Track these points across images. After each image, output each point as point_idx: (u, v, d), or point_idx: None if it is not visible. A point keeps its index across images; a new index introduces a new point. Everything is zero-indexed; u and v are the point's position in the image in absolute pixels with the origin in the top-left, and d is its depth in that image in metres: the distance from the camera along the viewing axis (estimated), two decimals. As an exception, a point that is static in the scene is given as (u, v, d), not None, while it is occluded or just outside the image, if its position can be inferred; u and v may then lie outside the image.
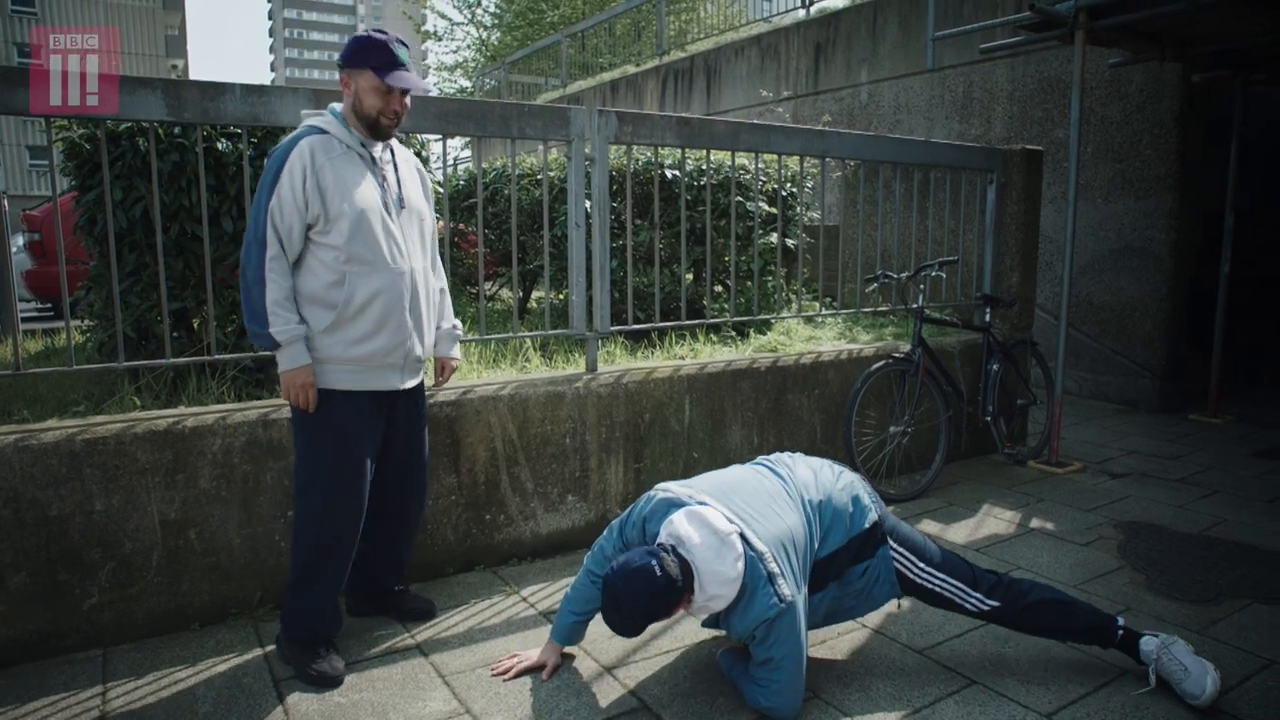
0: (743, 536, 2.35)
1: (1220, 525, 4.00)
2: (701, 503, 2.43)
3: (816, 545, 2.54)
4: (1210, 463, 5.08)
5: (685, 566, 2.27)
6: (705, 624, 2.59)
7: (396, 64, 2.51)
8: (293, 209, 2.44)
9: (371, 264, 2.53)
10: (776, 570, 2.33)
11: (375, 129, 2.56)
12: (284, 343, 2.47)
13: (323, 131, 2.52)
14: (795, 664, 2.34)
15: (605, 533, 2.66)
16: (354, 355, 2.56)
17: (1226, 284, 6.16)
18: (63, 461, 2.65)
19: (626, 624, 2.30)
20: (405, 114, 2.62)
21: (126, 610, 2.79)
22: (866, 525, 2.61)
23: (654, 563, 2.24)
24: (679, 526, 2.34)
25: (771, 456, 2.81)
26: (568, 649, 2.74)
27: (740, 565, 2.29)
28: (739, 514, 2.42)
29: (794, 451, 2.87)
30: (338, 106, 2.61)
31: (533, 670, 2.65)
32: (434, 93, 2.73)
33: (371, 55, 2.50)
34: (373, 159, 2.60)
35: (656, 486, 2.58)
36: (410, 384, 2.76)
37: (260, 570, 2.99)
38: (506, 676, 2.62)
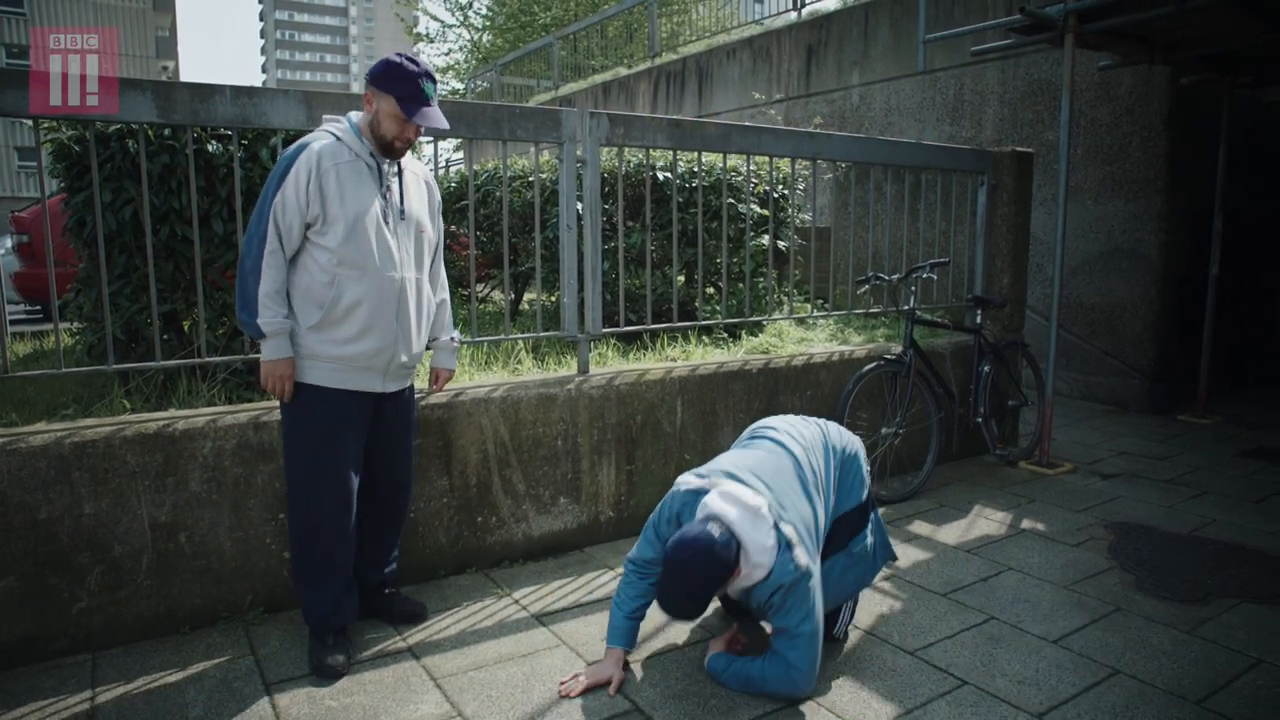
0: (768, 508, 2.45)
1: (1209, 525, 4.03)
2: (727, 479, 2.53)
3: (833, 502, 2.71)
4: (1199, 463, 5.11)
5: (732, 534, 2.38)
6: (725, 607, 2.68)
7: (422, 99, 2.59)
8: (294, 207, 2.52)
9: (362, 268, 2.60)
10: (795, 539, 2.42)
11: (388, 150, 2.65)
12: (269, 334, 2.55)
13: (335, 138, 2.61)
14: (813, 634, 2.42)
15: (640, 540, 2.67)
16: (338, 354, 2.63)
17: (1215, 285, 6.20)
18: (51, 465, 2.64)
19: (692, 597, 2.37)
20: (417, 139, 2.71)
21: (116, 614, 2.78)
22: (864, 496, 2.80)
23: (709, 527, 2.37)
24: (713, 506, 2.43)
25: (773, 427, 2.82)
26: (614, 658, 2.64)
27: (774, 535, 2.41)
28: (760, 487, 2.51)
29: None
30: (355, 116, 2.70)
31: (600, 685, 2.55)
32: (447, 126, 2.75)
33: (400, 85, 2.57)
34: (379, 169, 2.67)
35: (676, 481, 2.64)
36: (393, 388, 2.80)
37: (251, 573, 2.98)
38: (574, 693, 2.52)
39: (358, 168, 2.61)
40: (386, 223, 2.65)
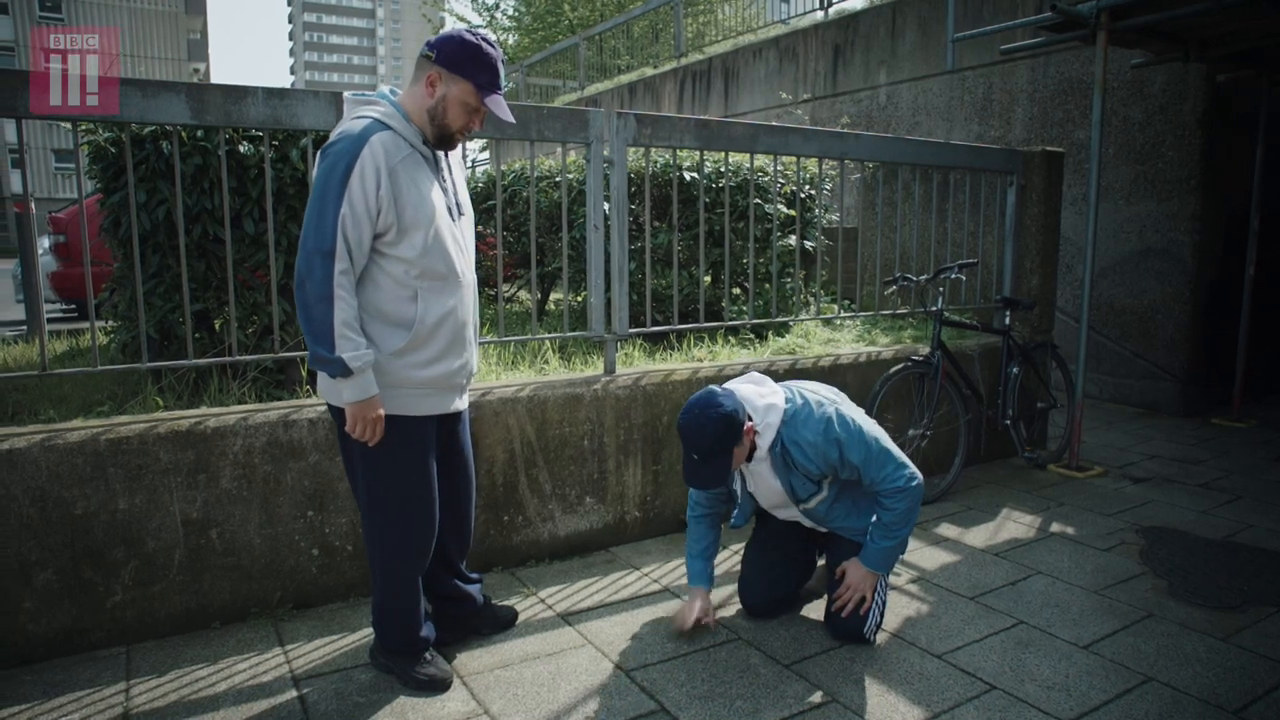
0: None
1: (1245, 531, 3.95)
2: None
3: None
4: (1234, 467, 5.02)
5: (732, 390, 2.70)
6: (799, 507, 2.89)
7: (499, 87, 2.35)
8: (365, 217, 2.20)
9: (444, 279, 2.37)
10: (816, 399, 2.78)
11: (446, 141, 2.39)
12: (356, 370, 2.21)
13: (387, 127, 2.27)
14: (886, 442, 2.79)
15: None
16: (423, 378, 2.38)
17: (1251, 286, 6.08)
18: (87, 461, 2.69)
19: (707, 458, 2.58)
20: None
21: (149, 608, 2.82)
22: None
23: (710, 389, 2.66)
24: (723, 388, 2.73)
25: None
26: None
27: (778, 390, 2.77)
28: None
29: None
30: (387, 91, 2.39)
31: (699, 618, 2.86)
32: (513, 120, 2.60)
33: (482, 70, 2.31)
34: (435, 160, 2.42)
35: None
36: (460, 404, 2.58)
37: (280, 570, 3.02)
38: (687, 631, 2.87)
39: (417, 161, 2.32)
40: (453, 221, 2.42)
